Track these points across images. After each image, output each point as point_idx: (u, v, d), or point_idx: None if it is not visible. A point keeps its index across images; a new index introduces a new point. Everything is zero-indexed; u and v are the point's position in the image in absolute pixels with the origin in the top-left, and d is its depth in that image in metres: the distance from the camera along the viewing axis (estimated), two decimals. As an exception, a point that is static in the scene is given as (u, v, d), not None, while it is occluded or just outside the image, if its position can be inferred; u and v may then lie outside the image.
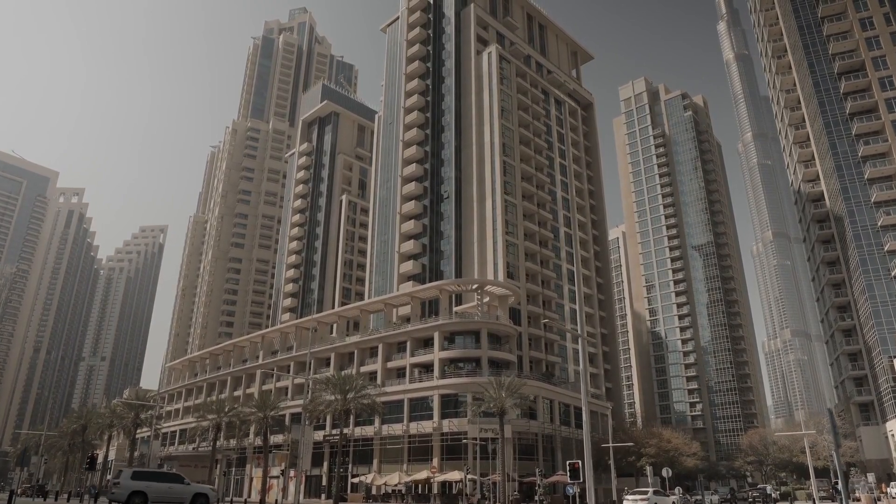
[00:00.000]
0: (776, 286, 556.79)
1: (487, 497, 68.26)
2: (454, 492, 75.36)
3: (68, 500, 74.30)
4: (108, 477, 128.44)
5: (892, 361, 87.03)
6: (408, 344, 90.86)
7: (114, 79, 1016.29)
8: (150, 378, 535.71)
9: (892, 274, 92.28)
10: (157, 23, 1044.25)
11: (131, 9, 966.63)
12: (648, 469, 69.58)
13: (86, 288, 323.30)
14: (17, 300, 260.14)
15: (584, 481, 41.81)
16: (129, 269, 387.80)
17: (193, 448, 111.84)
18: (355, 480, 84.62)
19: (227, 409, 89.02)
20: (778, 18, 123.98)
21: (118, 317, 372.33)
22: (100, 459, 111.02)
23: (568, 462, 36.73)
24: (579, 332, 36.63)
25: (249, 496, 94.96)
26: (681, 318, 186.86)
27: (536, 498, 63.58)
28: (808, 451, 63.68)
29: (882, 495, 69.94)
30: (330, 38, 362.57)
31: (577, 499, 60.81)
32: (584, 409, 36.56)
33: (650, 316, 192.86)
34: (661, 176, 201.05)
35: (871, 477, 70.97)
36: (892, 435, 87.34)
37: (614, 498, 68.58)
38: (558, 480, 73.08)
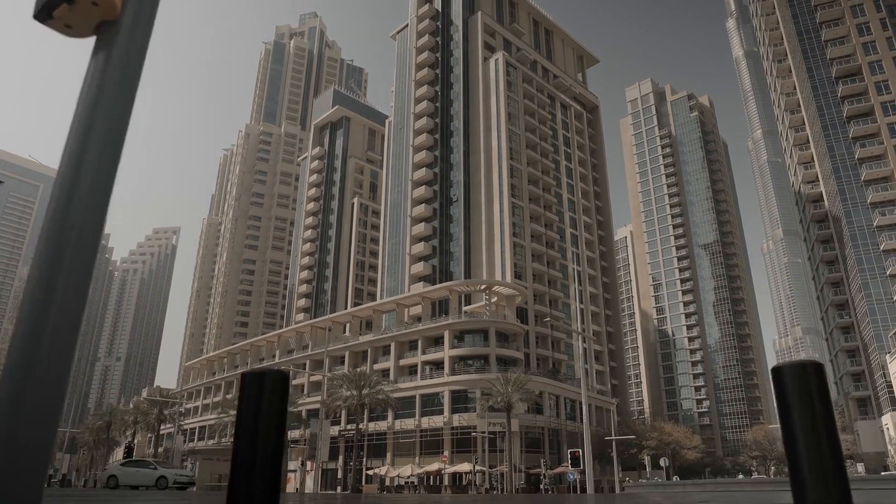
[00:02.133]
0: (786, 284, 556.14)
1: (496, 487, 71.93)
2: (464, 483, 79.01)
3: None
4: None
5: (886, 358, 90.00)
6: (419, 342, 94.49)
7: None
8: (164, 377, 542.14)
9: (888, 272, 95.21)
10: (169, 26, 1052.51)
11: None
12: (647, 459, 72.89)
13: (101, 289, 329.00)
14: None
15: (584, 468, 45.41)
16: (143, 270, 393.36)
17: (214, 443, 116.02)
18: (370, 473, 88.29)
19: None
20: (778, 23, 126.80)
21: (132, 317, 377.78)
22: (121, 454, 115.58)
23: (569, 451, 40.07)
24: (580, 329, 40.24)
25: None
26: (687, 316, 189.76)
27: (542, 487, 67.20)
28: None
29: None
30: (340, 43, 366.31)
31: (578, 485, 64.41)
32: (583, 397, 40.18)
33: (657, 314, 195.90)
34: (667, 176, 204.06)
35: (860, 467, 74.08)
36: (888, 428, 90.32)
37: (617, 489, 72.01)
38: (563, 471, 76.54)
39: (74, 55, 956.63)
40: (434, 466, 79.02)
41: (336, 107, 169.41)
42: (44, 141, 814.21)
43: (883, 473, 71.94)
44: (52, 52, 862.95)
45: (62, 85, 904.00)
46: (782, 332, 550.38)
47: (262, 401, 3.25)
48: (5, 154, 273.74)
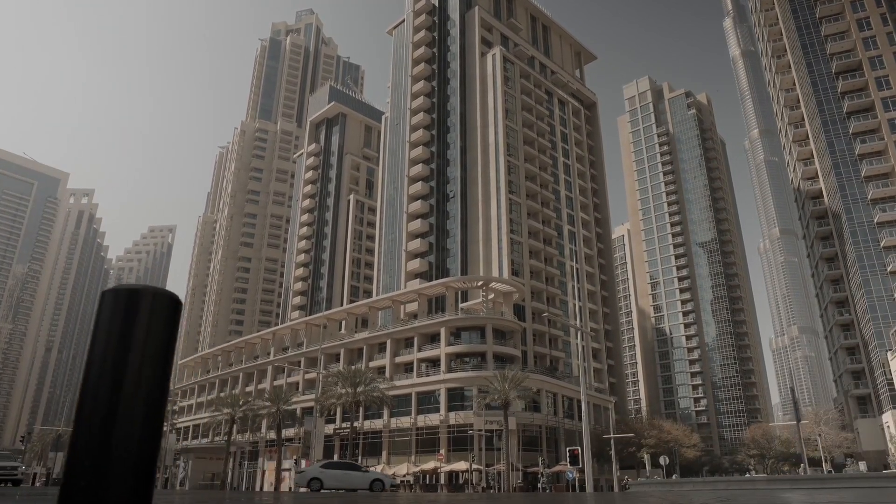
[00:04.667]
0: (783, 283, 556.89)
1: (492, 486, 70.86)
2: (460, 482, 77.97)
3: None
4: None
5: (887, 355, 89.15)
6: (415, 339, 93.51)
7: (123, 80, 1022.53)
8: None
9: (888, 269, 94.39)
10: (165, 24, 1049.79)
11: (143, 10, 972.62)
12: (646, 457, 71.96)
13: (96, 288, 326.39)
14: (29, 300, 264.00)
15: (583, 467, 44.26)
16: (139, 268, 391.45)
17: (207, 441, 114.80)
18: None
19: (241, 403, 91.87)
20: (778, 19, 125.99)
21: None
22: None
23: (568, 448, 38.97)
24: (578, 326, 39.24)
25: (262, 488, 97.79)
26: (685, 314, 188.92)
27: (539, 486, 66.17)
28: (801, 440, 66.08)
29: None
30: (336, 40, 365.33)
31: (577, 484, 63.37)
32: (582, 395, 39.11)
33: (655, 313, 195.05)
34: (665, 174, 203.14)
35: (862, 465, 73.29)
36: (888, 426, 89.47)
37: (615, 488, 71.03)
38: (561, 470, 75.52)
39: (71, 54, 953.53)
40: (430, 465, 77.98)
41: (332, 103, 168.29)
42: (40, 139, 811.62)
43: (884, 472, 71.13)
44: (48, 51, 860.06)
45: (58, 84, 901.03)
46: (778, 332, 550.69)
47: (133, 334, 2.06)
48: (0, 152, 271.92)
